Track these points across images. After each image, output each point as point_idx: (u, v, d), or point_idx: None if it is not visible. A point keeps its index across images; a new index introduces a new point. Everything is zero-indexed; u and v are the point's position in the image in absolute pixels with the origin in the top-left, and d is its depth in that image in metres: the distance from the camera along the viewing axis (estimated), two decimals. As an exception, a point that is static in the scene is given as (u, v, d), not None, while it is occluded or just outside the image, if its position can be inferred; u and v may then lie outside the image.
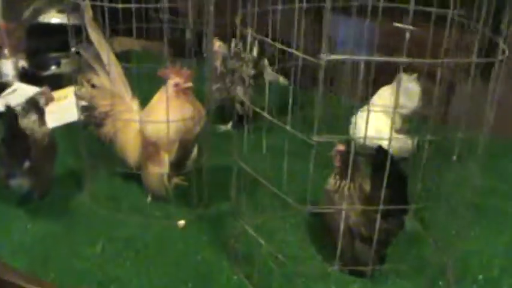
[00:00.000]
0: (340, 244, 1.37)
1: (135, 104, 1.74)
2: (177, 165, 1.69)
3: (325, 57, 1.08)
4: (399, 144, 1.86)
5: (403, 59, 1.12)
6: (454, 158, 1.82)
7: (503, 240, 1.69)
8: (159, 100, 1.63)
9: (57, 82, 2.44)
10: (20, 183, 1.67)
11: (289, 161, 1.59)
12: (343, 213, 1.39)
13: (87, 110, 1.76)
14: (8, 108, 1.60)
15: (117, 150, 1.76)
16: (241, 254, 1.51)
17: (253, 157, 1.46)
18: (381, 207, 1.32)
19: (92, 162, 1.79)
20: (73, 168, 1.88)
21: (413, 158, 1.82)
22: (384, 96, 1.92)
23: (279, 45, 1.32)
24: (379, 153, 1.39)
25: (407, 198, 1.43)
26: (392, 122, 1.35)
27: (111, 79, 1.72)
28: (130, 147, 1.72)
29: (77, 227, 1.64)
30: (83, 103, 1.76)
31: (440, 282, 1.50)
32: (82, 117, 1.75)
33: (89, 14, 1.69)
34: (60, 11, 2.42)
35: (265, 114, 1.32)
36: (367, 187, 1.47)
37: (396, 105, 1.32)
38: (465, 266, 1.54)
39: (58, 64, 2.46)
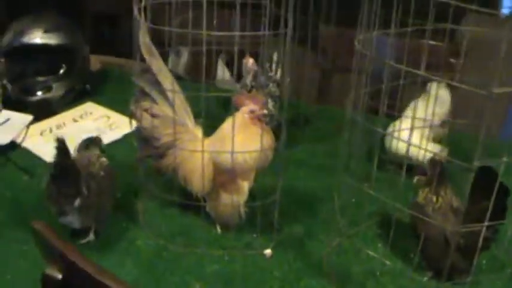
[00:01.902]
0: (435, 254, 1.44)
1: (199, 132, 1.67)
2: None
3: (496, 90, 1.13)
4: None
5: None
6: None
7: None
8: (234, 127, 1.58)
9: (46, 108, 2.27)
10: (70, 221, 1.56)
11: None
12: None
13: (148, 141, 1.66)
14: (60, 142, 1.47)
15: (181, 181, 1.68)
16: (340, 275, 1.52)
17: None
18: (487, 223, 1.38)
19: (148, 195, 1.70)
20: (120, 202, 1.77)
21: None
22: (418, 107, 1.98)
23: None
24: (486, 171, 1.45)
25: (506, 209, 1.51)
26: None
27: (174, 107, 1.63)
28: (197, 176, 1.63)
29: (155, 269, 1.55)
30: (143, 135, 1.66)
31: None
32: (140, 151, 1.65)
33: (145, 38, 1.58)
34: (46, 31, 2.24)
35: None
36: (457, 199, 1.55)
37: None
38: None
39: (48, 88, 2.28)
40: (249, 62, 2.01)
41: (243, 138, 1.54)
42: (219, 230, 1.69)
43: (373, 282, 1.52)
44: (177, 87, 1.64)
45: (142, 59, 1.60)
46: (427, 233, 1.52)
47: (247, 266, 1.56)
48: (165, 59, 1.75)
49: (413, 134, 1.80)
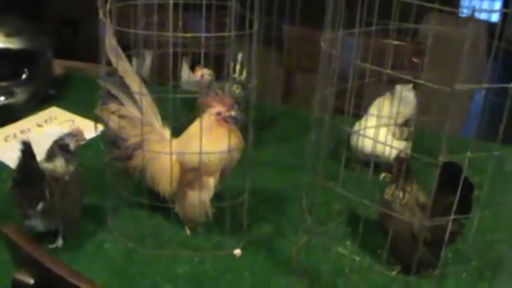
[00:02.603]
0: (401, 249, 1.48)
1: (166, 133, 1.67)
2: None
3: (459, 87, 1.15)
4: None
5: None
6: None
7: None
8: (200, 129, 1.58)
9: (9, 113, 2.24)
10: (34, 224, 1.55)
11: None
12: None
13: (115, 143, 1.66)
14: (25, 145, 1.46)
15: (149, 181, 1.68)
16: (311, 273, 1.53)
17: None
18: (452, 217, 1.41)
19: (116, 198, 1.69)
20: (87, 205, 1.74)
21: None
22: (381, 106, 2.01)
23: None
24: (450, 166, 1.48)
25: (472, 203, 1.55)
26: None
27: (141, 108, 1.63)
28: (165, 176, 1.64)
29: (125, 273, 1.54)
30: (110, 137, 1.66)
31: (487, 274, 1.63)
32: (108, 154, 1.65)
33: (111, 40, 1.58)
34: (8, 35, 2.21)
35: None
36: (423, 194, 1.57)
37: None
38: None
39: (11, 93, 2.24)
40: (204, 75, 2.03)
41: (209, 140, 1.55)
42: (188, 231, 1.69)
43: (343, 279, 1.54)
44: (144, 89, 1.64)
45: (109, 62, 1.59)
46: (394, 228, 1.55)
47: (217, 267, 1.57)
48: (130, 62, 1.74)
49: (379, 132, 1.84)
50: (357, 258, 1.56)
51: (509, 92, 1.30)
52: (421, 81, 1.30)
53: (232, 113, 1.59)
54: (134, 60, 2.94)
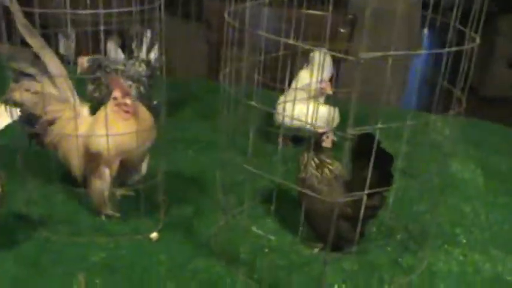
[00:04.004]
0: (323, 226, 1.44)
1: (85, 110, 1.61)
2: (122, 180, 1.63)
3: (364, 55, 1.11)
4: (327, 116, 1.94)
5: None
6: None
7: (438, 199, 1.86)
8: (103, 112, 1.53)
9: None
10: None
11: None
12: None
13: (29, 120, 1.61)
14: None
15: (61, 160, 1.63)
16: (230, 254, 1.49)
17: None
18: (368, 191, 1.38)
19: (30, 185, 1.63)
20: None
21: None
22: (303, 77, 1.97)
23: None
24: (365, 138, 1.45)
25: (392, 176, 1.52)
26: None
27: (57, 84, 1.57)
28: (74, 156, 1.59)
29: (37, 263, 1.47)
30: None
31: (411, 244, 1.61)
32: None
33: (20, 17, 1.50)
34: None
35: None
36: (342, 169, 1.54)
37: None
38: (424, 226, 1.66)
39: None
40: (83, 63, 1.99)
41: (103, 126, 1.49)
42: (103, 216, 1.63)
43: (262, 259, 1.50)
44: (61, 68, 1.58)
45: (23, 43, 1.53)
46: (313, 206, 1.51)
47: (133, 252, 1.51)
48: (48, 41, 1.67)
49: (300, 105, 1.80)
50: (272, 238, 1.52)
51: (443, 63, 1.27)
52: (326, 50, 1.24)
53: (127, 100, 1.52)
54: (63, 41, 2.85)
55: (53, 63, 1.58)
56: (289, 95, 1.89)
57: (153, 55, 2.06)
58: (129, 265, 1.47)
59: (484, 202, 1.88)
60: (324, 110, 1.92)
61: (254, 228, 1.46)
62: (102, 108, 1.55)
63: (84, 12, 1.44)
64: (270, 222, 1.64)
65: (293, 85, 1.96)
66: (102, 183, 1.56)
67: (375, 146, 1.34)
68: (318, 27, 1.74)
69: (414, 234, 1.65)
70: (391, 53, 1.20)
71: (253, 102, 1.30)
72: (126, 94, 1.52)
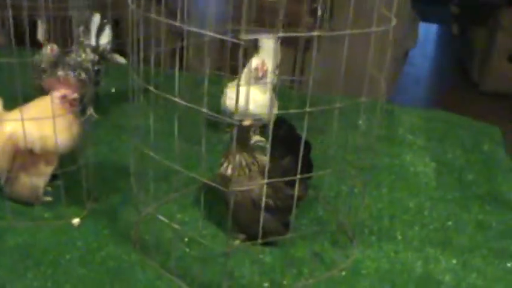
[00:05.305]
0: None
1: (-1, 104, 1.59)
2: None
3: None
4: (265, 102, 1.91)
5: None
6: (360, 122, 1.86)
7: (383, 193, 1.81)
8: (43, 110, 1.51)
9: None
10: None
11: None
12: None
13: None
14: None
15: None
16: (147, 243, 1.47)
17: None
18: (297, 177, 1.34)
19: None
20: None
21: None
22: (254, 64, 1.94)
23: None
24: (281, 125, 1.42)
25: (311, 163, 1.48)
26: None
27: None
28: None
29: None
30: None
31: (341, 239, 1.57)
32: None
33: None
34: None
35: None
36: (261, 159, 1.50)
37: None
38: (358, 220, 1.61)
39: None
40: (52, 49, 1.96)
41: (51, 125, 1.49)
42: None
43: (179, 251, 1.47)
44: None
45: None
46: (234, 199, 1.48)
47: (51, 237, 1.50)
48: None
49: (241, 92, 1.76)
50: (200, 229, 1.48)
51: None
52: (224, 37, 1.20)
53: (76, 95, 1.53)
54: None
55: None
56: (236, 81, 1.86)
57: (104, 40, 2.04)
58: (44, 250, 1.46)
59: (431, 197, 1.82)
60: (263, 97, 1.89)
61: (160, 217, 1.41)
62: (36, 105, 1.54)
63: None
64: (195, 213, 1.61)
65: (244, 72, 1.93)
66: (38, 180, 1.57)
67: (290, 132, 1.31)
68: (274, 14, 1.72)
69: (347, 228, 1.60)
70: (280, 35, 1.16)
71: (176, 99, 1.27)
72: (75, 89, 1.53)
